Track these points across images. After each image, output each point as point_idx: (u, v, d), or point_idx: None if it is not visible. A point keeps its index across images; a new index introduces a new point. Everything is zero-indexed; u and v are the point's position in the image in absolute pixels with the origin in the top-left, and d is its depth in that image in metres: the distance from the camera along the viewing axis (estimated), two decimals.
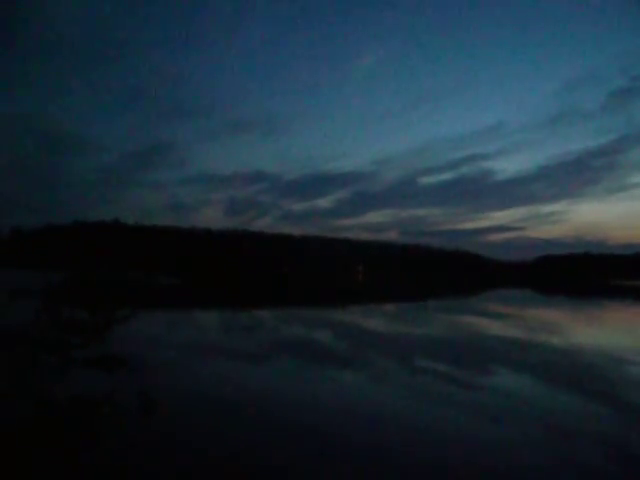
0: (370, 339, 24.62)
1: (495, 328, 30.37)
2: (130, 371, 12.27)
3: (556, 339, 24.85)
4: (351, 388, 14.03)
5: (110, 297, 50.23)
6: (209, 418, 10.60)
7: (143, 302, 47.75)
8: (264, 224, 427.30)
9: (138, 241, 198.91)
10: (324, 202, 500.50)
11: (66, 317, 13.76)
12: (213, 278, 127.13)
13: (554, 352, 20.92)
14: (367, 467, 8.27)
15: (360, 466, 8.31)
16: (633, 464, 8.51)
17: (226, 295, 65.37)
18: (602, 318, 41.01)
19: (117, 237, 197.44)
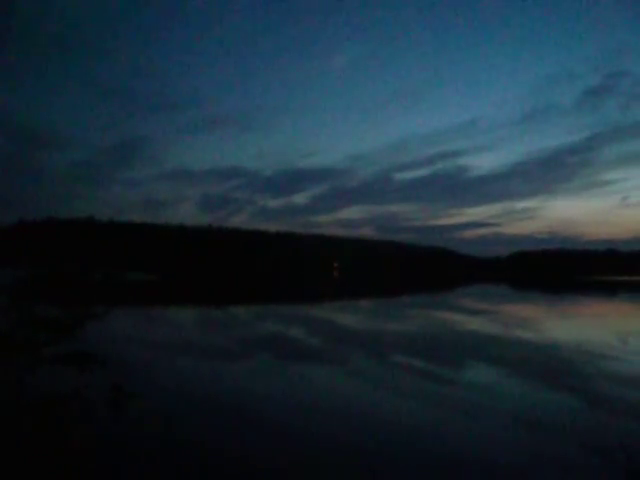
0: (346, 335, 24.65)
1: (470, 324, 30.58)
2: (102, 368, 12.11)
3: (531, 334, 25.11)
4: (327, 384, 14.05)
5: (83, 293, 49.79)
6: (182, 415, 10.52)
7: (117, 299, 47.37)
8: (240, 220, 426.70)
9: (113, 238, 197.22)
10: (300, 198, 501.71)
11: (35, 314, 13.56)
12: (188, 274, 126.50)
13: (529, 347, 21.13)
14: (342, 462, 8.26)
15: (335, 462, 8.30)
16: (607, 457, 8.60)
17: (201, 292, 65.07)
18: (576, 313, 41.52)
19: (92, 234, 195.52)
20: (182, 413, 10.66)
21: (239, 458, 8.29)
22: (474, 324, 30.28)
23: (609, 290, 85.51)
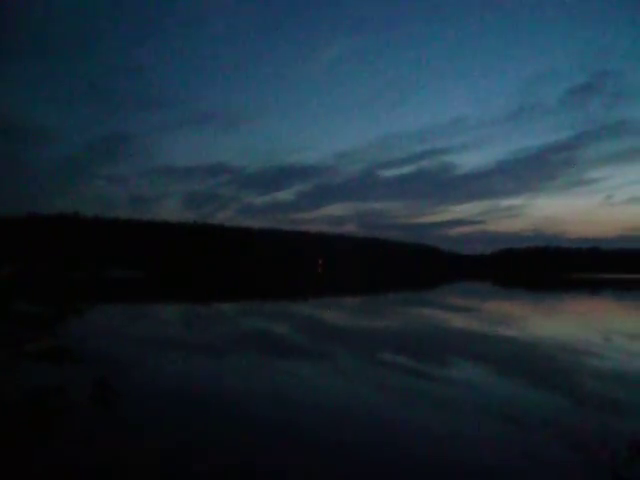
0: (330, 332, 24.65)
1: (454, 321, 30.70)
2: (85, 365, 12.05)
3: (514, 332, 25.25)
4: (311, 381, 14.04)
5: (66, 290, 49.45)
6: (166, 411, 10.47)
7: (101, 295, 47.10)
8: (224, 217, 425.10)
9: (97, 234, 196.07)
10: (284, 195, 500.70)
11: (17, 310, 13.43)
12: (173, 271, 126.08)
13: (512, 344, 21.24)
14: (325, 460, 8.26)
15: (318, 459, 8.29)
16: (591, 454, 8.65)
17: (186, 288, 64.87)
18: (560, 311, 41.78)
19: (76, 230, 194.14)
20: (166, 409, 10.62)
21: (221, 454, 8.26)
22: (458, 321, 30.40)
23: (593, 288, 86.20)
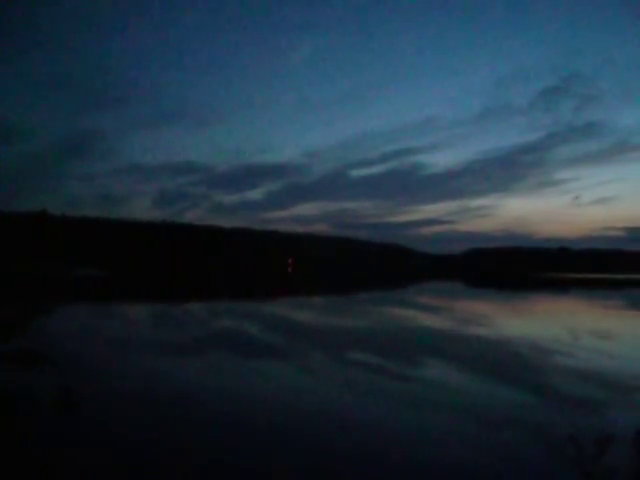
0: (300, 332, 24.67)
1: (424, 320, 30.94)
2: (50, 368, 11.86)
3: (484, 330, 25.54)
4: (281, 381, 14.02)
5: (31, 289, 48.69)
6: (132, 415, 10.37)
7: (68, 295, 46.47)
8: (194, 216, 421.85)
9: (65, 233, 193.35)
10: (255, 194, 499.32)
11: None
12: (142, 270, 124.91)
13: (482, 343, 21.47)
14: (290, 459, 8.25)
15: (287, 459, 8.28)
16: (558, 450, 8.76)
17: (155, 287, 64.31)
18: (528, 310, 42.31)
19: (43, 228, 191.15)
20: (132, 413, 10.51)
21: (188, 456, 8.20)
22: (428, 320, 30.63)
23: (561, 287, 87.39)
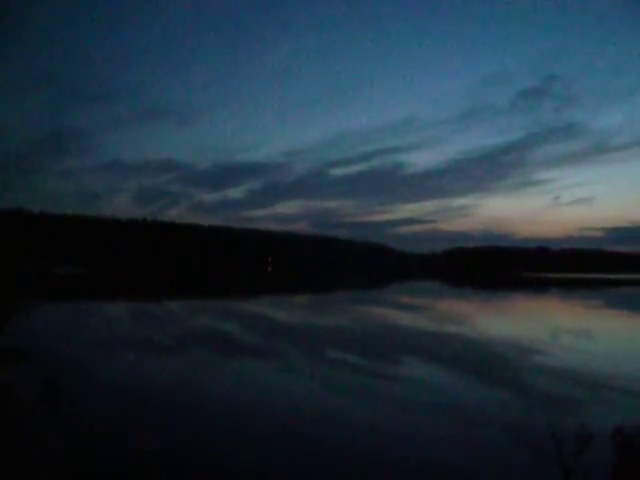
0: (281, 330, 24.62)
1: (404, 319, 31.03)
2: (32, 364, 11.77)
3: (464, 330, 25.66)
4: (260, 380, 13.94)
5: (10, 288, 48.16)
6: (114, 410, 10.27)
7: (48, 293, 46.07)
8: (174, 214, 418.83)
9: (44, 230, 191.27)
10: (235, 192, 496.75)
11: None
12: (122, 268, 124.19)
13: (462, 342, 21.55)
14: (272, 459, 8.22)
15: (267, 458, 8.24)
16: (538, 448, 8.81)
17: (135, 286, 63.93)
18: (508, 309, 42.63)
19: (21, 225, 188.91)
20: (114, 408, 10.42)
21: (166, 452, 8.13)
22: (408, 320, 30.72)
23: (540, 287, 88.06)
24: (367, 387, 13.36)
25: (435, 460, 8.31)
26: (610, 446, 5.54)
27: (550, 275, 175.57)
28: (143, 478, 7.35)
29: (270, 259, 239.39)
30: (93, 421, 9.63)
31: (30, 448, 8.16)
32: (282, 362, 16.42)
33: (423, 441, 9.26)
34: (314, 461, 8.16)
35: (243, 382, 13.52)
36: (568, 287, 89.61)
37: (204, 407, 10.96)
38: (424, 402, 11.99)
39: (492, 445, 9.06)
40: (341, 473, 7.72)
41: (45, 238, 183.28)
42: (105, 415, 10.09)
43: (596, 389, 13.67)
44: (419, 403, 11.90)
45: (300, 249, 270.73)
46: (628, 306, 48.96)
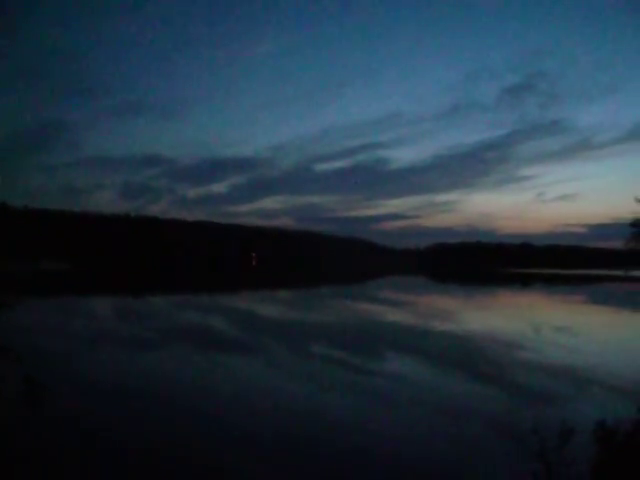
0: (266, 325, 24.67)
1: (389, 315, 31.12)
2: (13, 360, 11.69)
3: (448, 325, 25.77)
4: (245, 375, 13.99)
5: None
6: (96, 406, 10.26)
7: (31, 288, 45.74)
8: (158, 209, 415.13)
9: (27, 225, 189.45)
10: (219, 188, 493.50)
11: None
12: (106, 264, 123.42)
13: (446, 337, 21.68)
14: (254, 453, 8.27)
15: (250, 452, 8.29)
16: (521, 442, 8.93)
17: (119, 281, 63.56)
18: (491, 304, 42.91)
19: (4, 221, 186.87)
20: (96, 404, 10.42)
21: (148, 448, 8.15)
22: (393, 315, 30.80)
23: (523, 282, 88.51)
24: (352, 382, 13.41)
25: (417, 453, 8.42)
26: (592, 440, 5.69)
27: (533, 271, 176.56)
28: (120, 470, 7.39)
29: (255, 254, 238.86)
30: (75, 412, 9.64)
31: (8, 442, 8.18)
32: (268, 357, 16.46)
33: (406, 435, 9.34)
34: (286, 449, 8.24)
35: (228, 376, 13.57)
36: (551, 282, 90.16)
37: (186, 402, 10.98)
38: (409, 396, 12.05)
39: (475, 439, 9.17)
40: (312, 461, 7.81)
41: (28, 234, 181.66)
42: (84, 410, 10.09)
43: (576, 383, 13.85)
44: (404, 397, 11.95)
45: (285, 244, 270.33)
46: (609, 301, 49.39)
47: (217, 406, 10.89)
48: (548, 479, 5.44)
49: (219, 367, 14.81)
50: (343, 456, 8.24)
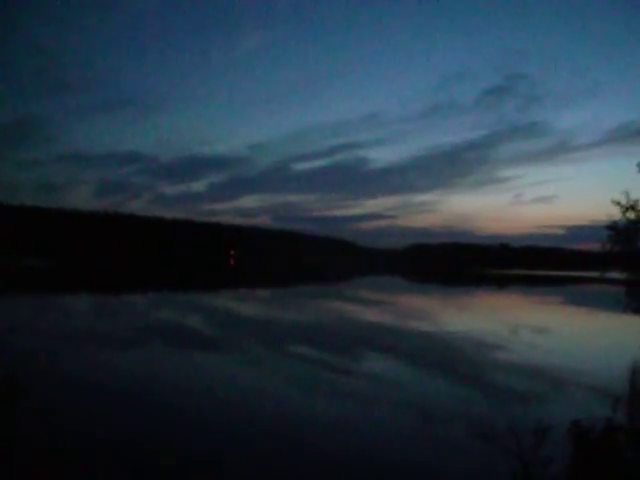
0: (243, 324, 24.62)
1: (366, 314, 31.21)
2: None
3: (425, 325, 25.93)
4: (221, 373, 13.97)
5: None
6: (74, 406, 10.19)
7: (7, 286, 45.21)
8: (136, 207, 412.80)
9: (3, 222, 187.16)
10: (198, 186, 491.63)
11: None
12: (84, 261, 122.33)
13: (423, 338, 21.83)
14: (231, 451, 8.26)
15: (225, 451, 8.29)
16: (498, 442, 9.00)
17: (97, 279, 63.02)
18: (468, 305, 43.19)
19: None
20: (74, 404, 10.34)
21: (128, 447, 8.11)
22: (370, 315, 30.90)
23: (501, 283, 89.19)
24: (328, 382, 13.43)
25: (394, 454, 8.45)
26: (567, 439, 5.75)
27: (511, 272, 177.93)
28: (97, 466, 7.35)
29: (233, 253, 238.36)
30: (53, 418, 9.56)
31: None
32: (244, 356, 16.44)
33: (382, 436, 9.38)
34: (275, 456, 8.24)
35: (204, 375, 13.53)
36: (529, 284, 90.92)
37: (161, 398, 10.94)
38: (385, 397, 12.10)
39: (451, 439, 9.22)
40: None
41: (3, 230, 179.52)
42: (65, 410, 10.02)
43: (552, 383, 14.00)
44: (380, 397, 11.99)
45: (263, 243, 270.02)
46: (584, 302, 50.01)
47: (190, 404, 10.81)
48: (525, 479, 5.51)
49: (198, 365, 14.75)
50: (317, 457, 8.26)
